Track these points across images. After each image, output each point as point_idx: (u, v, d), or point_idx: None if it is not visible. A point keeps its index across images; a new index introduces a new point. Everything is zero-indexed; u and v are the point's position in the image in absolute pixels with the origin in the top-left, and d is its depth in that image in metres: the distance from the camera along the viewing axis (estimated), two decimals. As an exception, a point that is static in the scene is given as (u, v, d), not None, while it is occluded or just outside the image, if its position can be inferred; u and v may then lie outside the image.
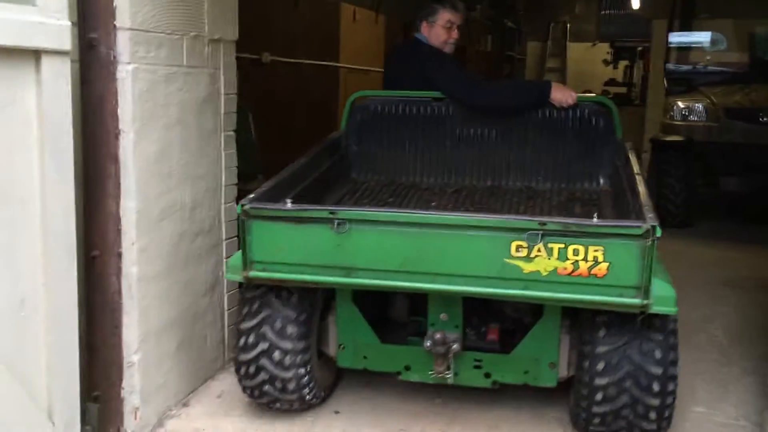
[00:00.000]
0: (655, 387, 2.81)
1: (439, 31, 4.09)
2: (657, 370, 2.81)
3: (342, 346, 3.25)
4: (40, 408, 2.84)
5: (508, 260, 2.71)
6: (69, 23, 2.69)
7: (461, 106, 3.86)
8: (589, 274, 2.66)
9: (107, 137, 3.06)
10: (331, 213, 2.78)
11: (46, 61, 2.66)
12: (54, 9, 2.64)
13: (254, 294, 3.13)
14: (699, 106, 7.19)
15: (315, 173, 3.63)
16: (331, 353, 3.29)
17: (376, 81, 10.17)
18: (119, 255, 3.11)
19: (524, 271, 2.71)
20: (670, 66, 8.26)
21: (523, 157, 3.95)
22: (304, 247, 2.85)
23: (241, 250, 2.91)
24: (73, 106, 2.83)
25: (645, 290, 2.63)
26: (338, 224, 2.77)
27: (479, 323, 3.25)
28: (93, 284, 3.12)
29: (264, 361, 3.11)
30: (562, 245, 2.66)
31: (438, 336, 2.99)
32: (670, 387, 2.83)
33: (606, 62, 12.60)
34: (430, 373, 3.11)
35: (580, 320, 2.99)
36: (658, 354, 2.82)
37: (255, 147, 6.74)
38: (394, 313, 3.44)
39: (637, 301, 2.64)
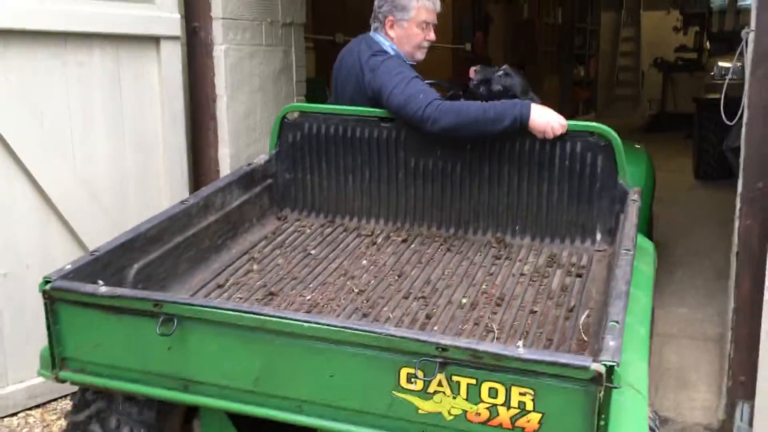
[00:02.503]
0: None
1: (413, 31, 3.14)
2: None
3: (211, 460, 2.43)
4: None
5: (397, 393, 1.84)
6: (179, 16, 3.71)
7: (416, 131, 2.94)
8: (513, 426, 1.77)
9: (207, 100, 4.06)
10: (155, 305, 1.96)
11: (163, 45, 3.64)
12: (168, 5, 3.65)
13: None
14: (737, 65, 6.94)
15: (214, 215, 2.81)
16: (199, 467, 2.49)
17: (444, 58, 9.57)
18: (219, 191, 4.12)
19: (420, 411, 1.83)
20: (713, 29, 8.98)
21: (497, 201, 2.99)
22: (128, 346, 2.06)
23: (48, 343, 2.12)
24: (182, 77, 3.82)
25: (596, 459, 1.71)
26: (163, 321, 1.95)
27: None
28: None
29: None
30: (473, 381, 1.77)
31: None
32: None
33: (676, 29, 12.12)
34: None
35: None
36: None
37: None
38: None
39: (582, 475, 1.73)
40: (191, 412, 2.47)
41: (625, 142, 4.51)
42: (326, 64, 7.77)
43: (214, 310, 1.93)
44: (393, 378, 1.82)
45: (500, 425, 1.77)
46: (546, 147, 2.86)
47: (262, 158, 3.20)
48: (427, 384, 1.79)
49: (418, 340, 1.77)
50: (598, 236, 2.90)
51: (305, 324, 1.85)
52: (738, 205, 3.04)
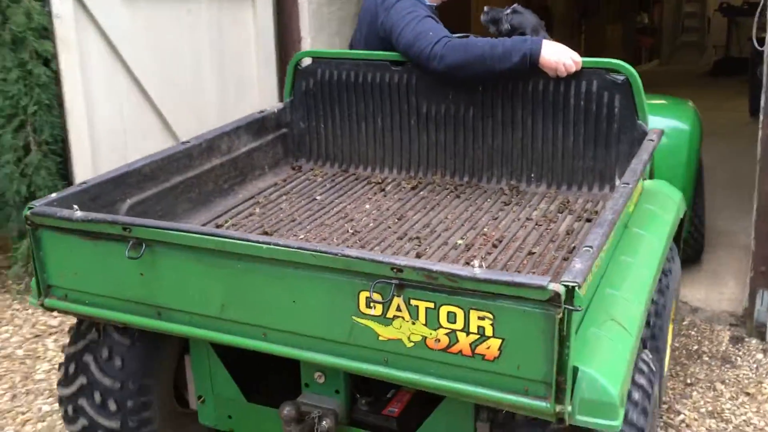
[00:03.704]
0: None
1: None
2: None
3: (201, 398, 2.42)
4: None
5: (357, 319, 1.77)
6: (271, -32, 4.52)
7: (427, 75, 2.84)
8: (474, 353, 1.67)
9: (293, 42, 4.69)
10: (125, 229, 1.95)
11: None
12: (262, -42, 4.44)
13: None
14: None
15: (219, 158, 2.79)
16: (192, 405, 2.48)
17: (501, 4, 9.33)
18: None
19: (380, 338, 1.76)
20: None
21: (510, 146, 2.86)
22: (103, 272, 2.06)
23: (34, 271, 2.15)
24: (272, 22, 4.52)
25: (560, 388, 1.60)
26: (132, 245, 1.94)
27: (380, 386, 2.30)
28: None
29: (82, 402, 2.35)
30: (431, 305, 1.68)
31: (287, 411, 2.09)
32: None
33: None
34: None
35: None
36: None
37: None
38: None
39: (545, 405, 1.61)
40: (187, 345, 2.46)
41: (673, 97, 4.29)
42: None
43: (177, 232, 1.90)
44: (352, 303, 1.76)
45: (460, 352, 1.68)
46: (560, 86, 2.71)
47: (275, 106, 3.16)
48: (385, 308, 1.72)
49: (373, 261, 1.69)
50: (617, 182, 2.72)
51: (264, 246, 1.80)
52: (761, 118, 3.34)
